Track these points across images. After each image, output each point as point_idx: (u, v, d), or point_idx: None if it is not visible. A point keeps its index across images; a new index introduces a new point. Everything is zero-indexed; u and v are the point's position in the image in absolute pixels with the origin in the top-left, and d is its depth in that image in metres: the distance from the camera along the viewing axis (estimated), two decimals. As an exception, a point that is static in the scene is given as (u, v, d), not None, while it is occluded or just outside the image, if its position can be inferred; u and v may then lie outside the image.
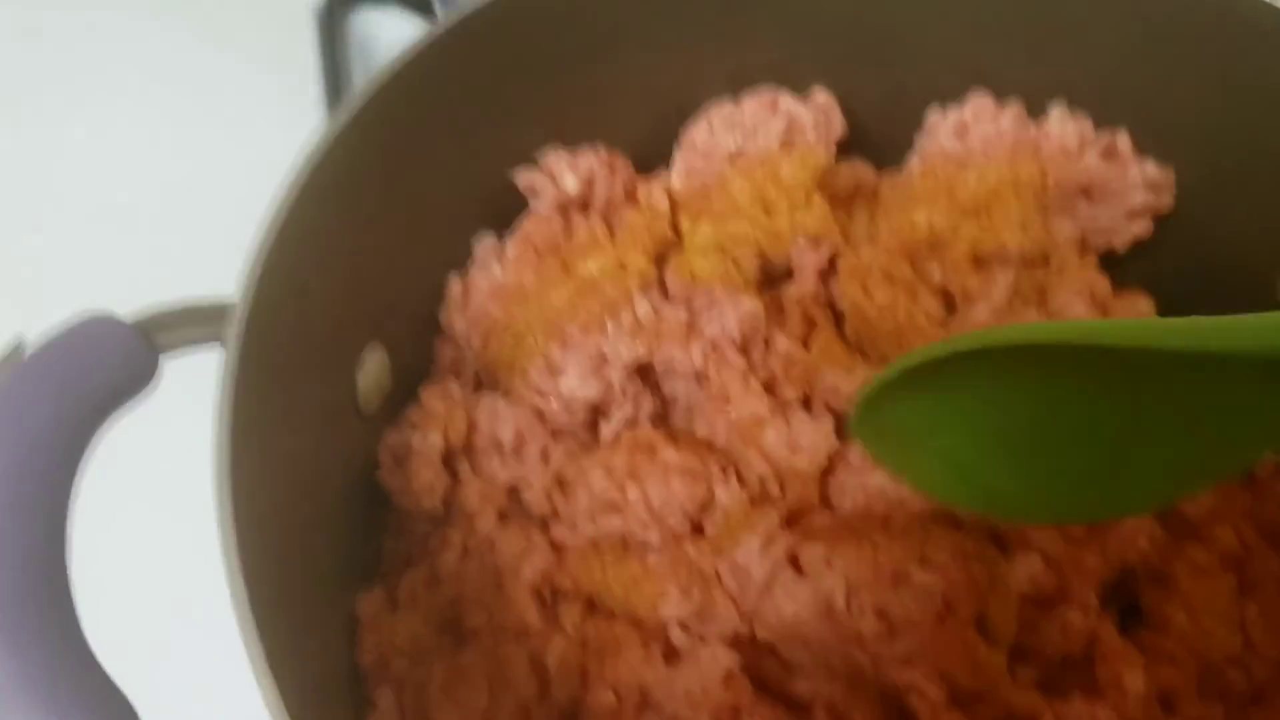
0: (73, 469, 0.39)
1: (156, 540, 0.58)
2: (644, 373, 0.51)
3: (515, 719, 0.45)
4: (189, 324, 0.42)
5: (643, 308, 0.49)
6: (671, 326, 0.49)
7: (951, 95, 0.54)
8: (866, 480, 0.48)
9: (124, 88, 0.75)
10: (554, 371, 0.50)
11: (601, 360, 0.49)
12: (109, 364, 0.40)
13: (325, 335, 0.45)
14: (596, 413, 0.51)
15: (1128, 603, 0.49)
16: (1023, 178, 0.51)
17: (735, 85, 0.54)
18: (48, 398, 0.39)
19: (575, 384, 0.49)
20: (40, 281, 0.67)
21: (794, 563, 0.45)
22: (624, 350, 0.49)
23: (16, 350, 0.40)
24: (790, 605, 0.44)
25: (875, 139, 0.56)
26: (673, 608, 0.46)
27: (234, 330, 0.38)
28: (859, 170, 0.56)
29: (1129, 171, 0.52)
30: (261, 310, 0.39)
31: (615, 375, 0.49)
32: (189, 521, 0.52)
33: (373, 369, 0.48)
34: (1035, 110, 0.53)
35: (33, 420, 0.38)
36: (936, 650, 0.43)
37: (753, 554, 0.45)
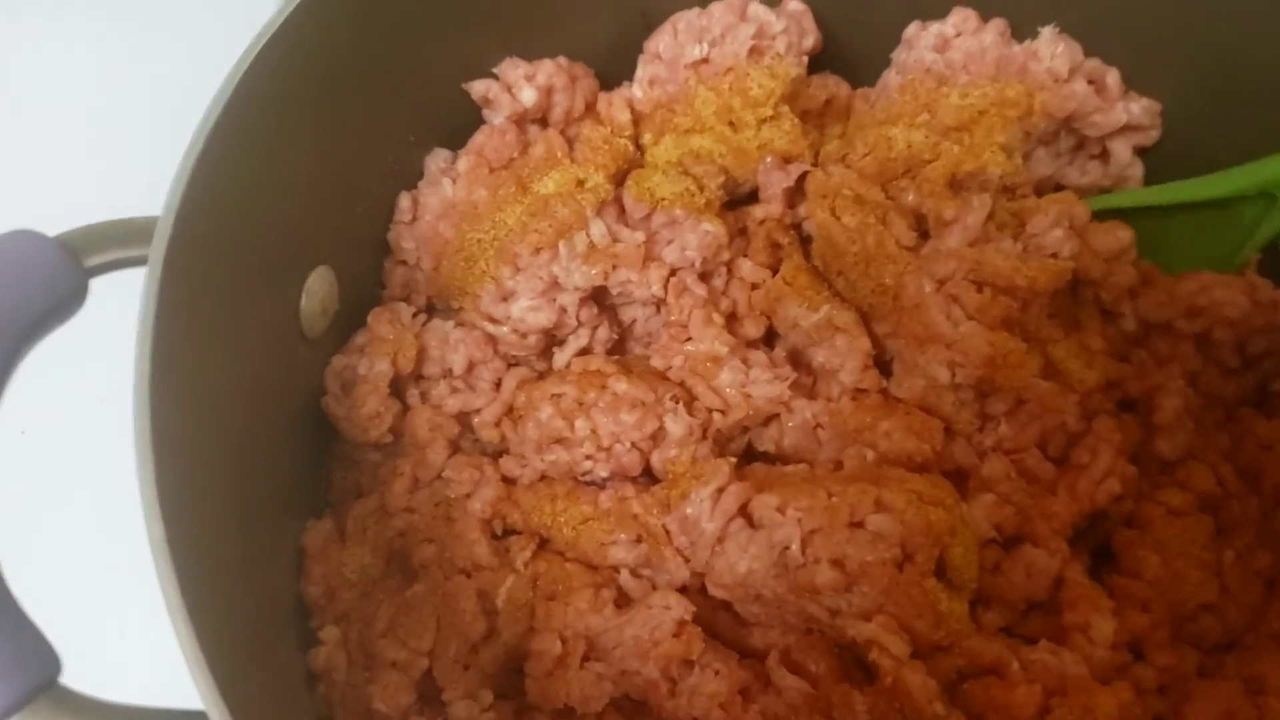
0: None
1: (75, 472, 0.57)
2: (600, 297, 0.50)
3: (461, 659, 0.44)
4: (119, 243, 0.40)
5: (597, 229, 0.48)
6: (628, 250, 0.48)
7: (933, 12, 0.52)
8: (804, 424, 0.48)
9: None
10: (505, 296, 0.49)
11: (554, 285, 0.48)
12: (36, 283, 0.38)
13: (265, 255, 0.43)
14: (550, 339, 0.50)
15: (1098, 545, 0.48)
16: (1009, 97, 0.49)
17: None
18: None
19: (526, 309, 0.48)
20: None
21: (745, 515, 0.44)
22: (577, 275, 0.47)
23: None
24: (743, 560, 0.43)
25: (850, 54, 0.55)
26: (623, 553, 0.45)
27: (157, 245, 0.37)
28: (831, 84, 0.54)
29: (1115, 108, 0.51)
30: (190, 225, 0.37)
31: (568, 301, 0.48)
32: (111, 451, 0.52)
33: (318, 291, 0.46)
34: (1020, 34, 0.52)
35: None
36: (896, 601, 0.42)
37: (703, 508, 0.44)
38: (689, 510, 0.44)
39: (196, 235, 0.38)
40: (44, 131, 0.69)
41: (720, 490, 0.44)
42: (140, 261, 0.40)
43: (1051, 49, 0.51)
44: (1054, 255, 0.47)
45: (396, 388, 0.49)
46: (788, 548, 0.43)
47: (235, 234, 0.41)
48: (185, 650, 0.33)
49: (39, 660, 0.36)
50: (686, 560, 0.45)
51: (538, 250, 0.48)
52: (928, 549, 0.43)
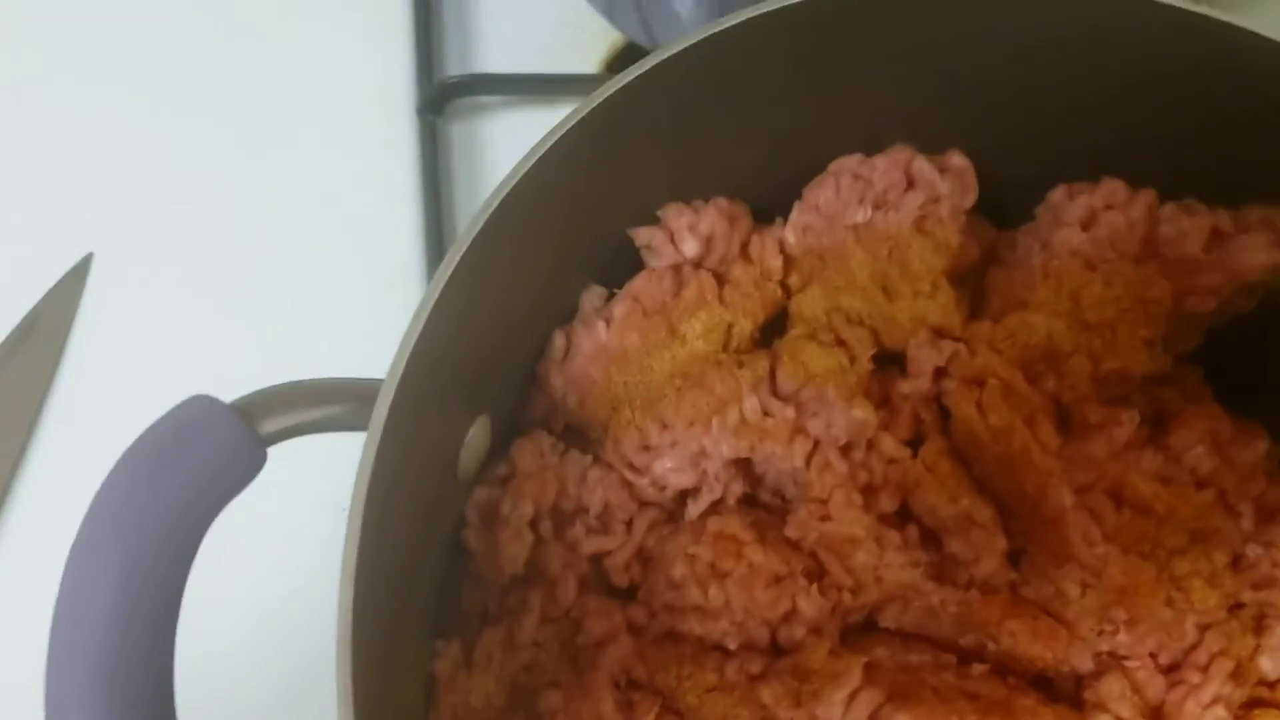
0: (184, 572, 0.39)
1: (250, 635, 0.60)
2: (741, 463, 0.51)
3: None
4: (290, 407, 0.42)
5: (750, 405, 0.50)
6: (777, 425, 0.49)
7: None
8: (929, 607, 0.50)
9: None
10: (648, 447, 0.51)
11: (702, 454, 0.50)
12: (219, 454, 0.40)
13: (442, 405, 0.45)
14: (686, 494, 0.52)
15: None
16: (1153, 296, 0.51)
17: (866, 138, 0.53)
18: (160, 491, 0.39)
19: (670, 470, 0.50)
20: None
21: None
22: (726, 448, 0.49)
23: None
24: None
25: (999, 199, 0.55)
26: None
27: (379, 409, 0.39)
28: (979, 233, 0.55)
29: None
30: (403, 391, 0.39)
31: (713, 468, 0.50)
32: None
33: (477, 440, 0.48)
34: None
35: (146, 516, 0.38)
36: None
37: (834, 711, 0.46)
38: (819, 712, 0.46)
39: (402, 400, 0.39)
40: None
41: (853, 695, 0.46)
42: (315, 428, 0.43)
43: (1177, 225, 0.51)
44: (1192, 471, 0.50)
45: (533, 523, 0.50)
46: None
47: (426, 394, 0.42)
48: None
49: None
50: None
51: (691, 421, 0.50)
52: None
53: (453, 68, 0.78)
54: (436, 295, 0.40)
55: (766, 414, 0.50)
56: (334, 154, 0.75)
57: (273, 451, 0.42)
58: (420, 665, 0.49)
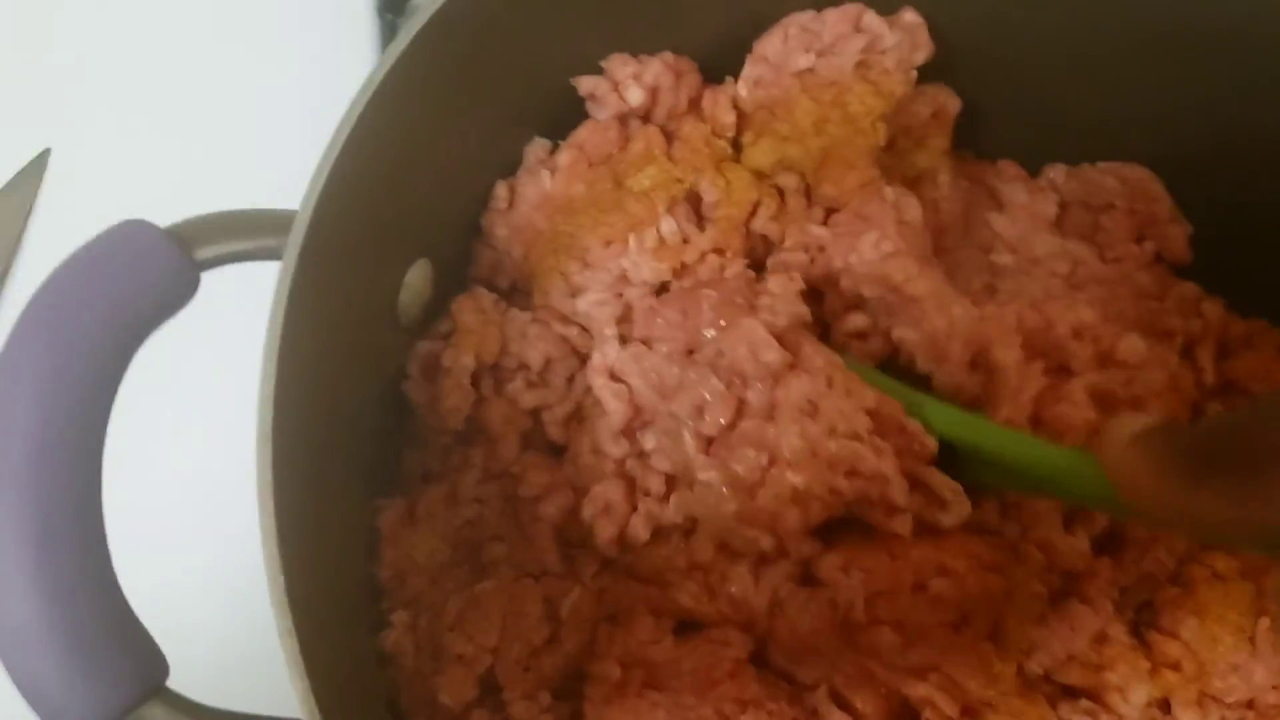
0: (112, 392, 0.40)
1: (180, 467, 0.61)
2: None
3: (522, 661, 0.48)
4: (228, 235, 0.43)
5: (668, 226, 0.51)
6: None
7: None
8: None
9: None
10: (574, 292, 0.52)
11: (623, 280, 0.51)
12: (150, 276, 0.41)
13: (377, 249, 0.46)
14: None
15: (1142, 601, 0.52)
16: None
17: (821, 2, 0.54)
18: (89, 307, 0.39)
19: (594, 304, 0.51)
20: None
21: (809, 574, 0.48)
22: (647, 271, 0.51)
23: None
24: (805, 619, 0.47)
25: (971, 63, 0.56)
26: (687, 599, 0.48)
27: (293, 240, 0.39)
28: (942, 97, 0.56)
29: None
30: (320, 222, 0.40)
31: (635, 295, 0.51)
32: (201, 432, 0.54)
33: (416, 282, 0.49)
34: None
35: (72, 331, 0.39)
36: (951, 661, 0.46)
37: (765, 569, 0.48)
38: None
39: (323, 231, 0.40)
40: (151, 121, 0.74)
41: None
42: (249, 256, 0.43)
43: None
44: None
45: (474, 379, 0.52)
46: (852, 607, 0.46)
47: (354, 230, 0.43)
48: (285, 644, 0.36)
49: (149, 664, 0.39)
50: (750, 615, 0.48)
51: (608, 243, 0.51)
52: (986, 614, 0.47)
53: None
54: (356, 115, 0.41)
55: (686, 240, 0.51)
56: (292, 53, 0.76)
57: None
58: (360, 520, 0.50)
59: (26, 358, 0.39)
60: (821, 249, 0.52)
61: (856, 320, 0.52)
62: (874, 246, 0.50)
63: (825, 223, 0.53)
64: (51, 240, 0.70)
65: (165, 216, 0.43)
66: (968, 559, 0.47)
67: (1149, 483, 0.35)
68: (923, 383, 0.50)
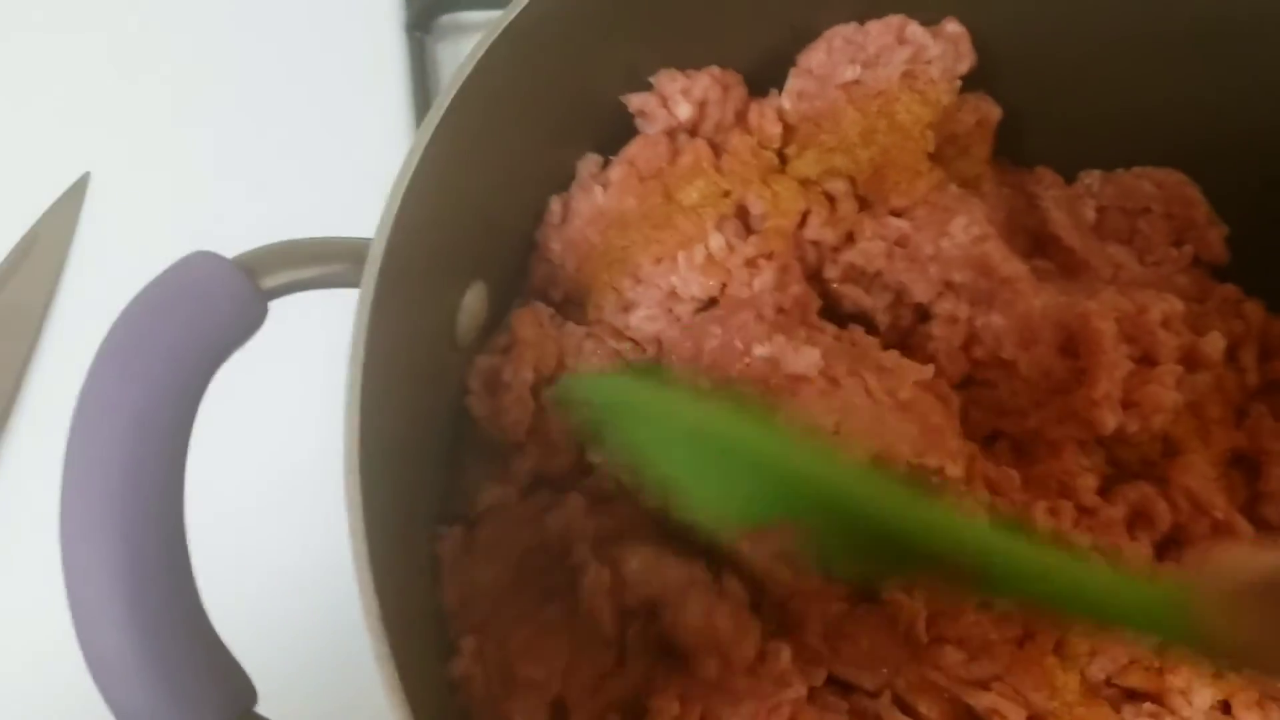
0: (190, 423, 0.41)
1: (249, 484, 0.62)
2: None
3: (590, 685, 0.49)
4: (293, 264, 0.44)
5: (716, 242, 0.52)
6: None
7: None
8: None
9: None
10: (627, 308, 0.53)
11: (672, 296, 0.52)
12: (222, 306, 0.42)
13: (439, 267, 0.47)
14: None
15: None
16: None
17: (862, 13, 0.55)
18: (167, 339, 0.41)
19: (645, 319, 0.53)
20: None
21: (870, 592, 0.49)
22: (696, 288, 0.52)
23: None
24: (866, 636, 0.48)
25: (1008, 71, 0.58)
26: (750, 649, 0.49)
27: (371, 269, 0.40)
28: (984, 107, 0.58)
29: None
30: (397, 248, 0.41)
31: (683, 311, 0.52)
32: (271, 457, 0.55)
33: (473, 304, 0.50)
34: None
35: (152, 364, 0.40)
36: (1014, 674, 0.47)
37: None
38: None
39: (397, 257, 0.41)
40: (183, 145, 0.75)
41: None
42: (312, 284, 0.44)
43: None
44: None
45: (535, 390, 0.53)
46: (914, 626, 0.47)
47: (422, 254, 0.44)
48: (383, 669, 0.36)
49: (237, 690, 0.40)
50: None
51: (658, 260, 0.52)
52: (1049, 629, 0.48)
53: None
54: (423, 147, 0.41)
55: (732, 250, 0.52)
56: (323, 72, 0.77)
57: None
58: (424, 545, 0.51)
59: (110, 392, 0.40)
60: (903, 239, 0.53)
61: (945, 304, 0.53)
62: (965, 230, 0.52)
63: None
64: (94, 264, 0.71)
65: (206, 237, 0.44)
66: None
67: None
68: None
